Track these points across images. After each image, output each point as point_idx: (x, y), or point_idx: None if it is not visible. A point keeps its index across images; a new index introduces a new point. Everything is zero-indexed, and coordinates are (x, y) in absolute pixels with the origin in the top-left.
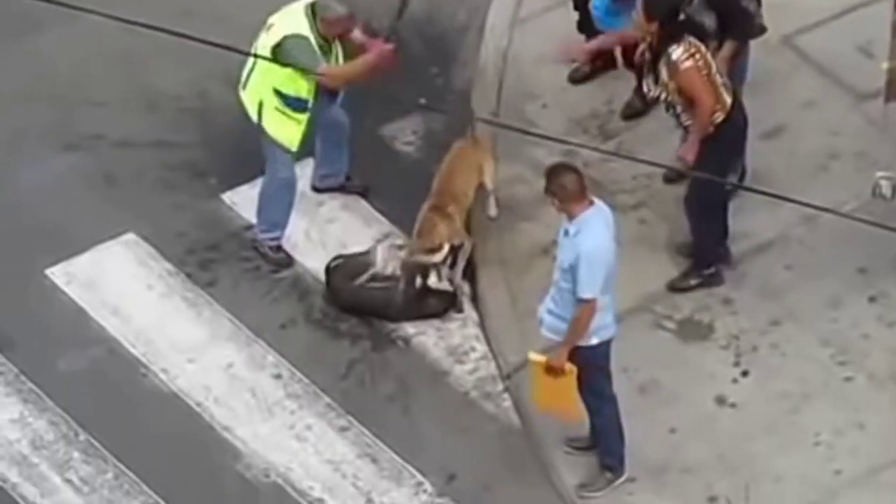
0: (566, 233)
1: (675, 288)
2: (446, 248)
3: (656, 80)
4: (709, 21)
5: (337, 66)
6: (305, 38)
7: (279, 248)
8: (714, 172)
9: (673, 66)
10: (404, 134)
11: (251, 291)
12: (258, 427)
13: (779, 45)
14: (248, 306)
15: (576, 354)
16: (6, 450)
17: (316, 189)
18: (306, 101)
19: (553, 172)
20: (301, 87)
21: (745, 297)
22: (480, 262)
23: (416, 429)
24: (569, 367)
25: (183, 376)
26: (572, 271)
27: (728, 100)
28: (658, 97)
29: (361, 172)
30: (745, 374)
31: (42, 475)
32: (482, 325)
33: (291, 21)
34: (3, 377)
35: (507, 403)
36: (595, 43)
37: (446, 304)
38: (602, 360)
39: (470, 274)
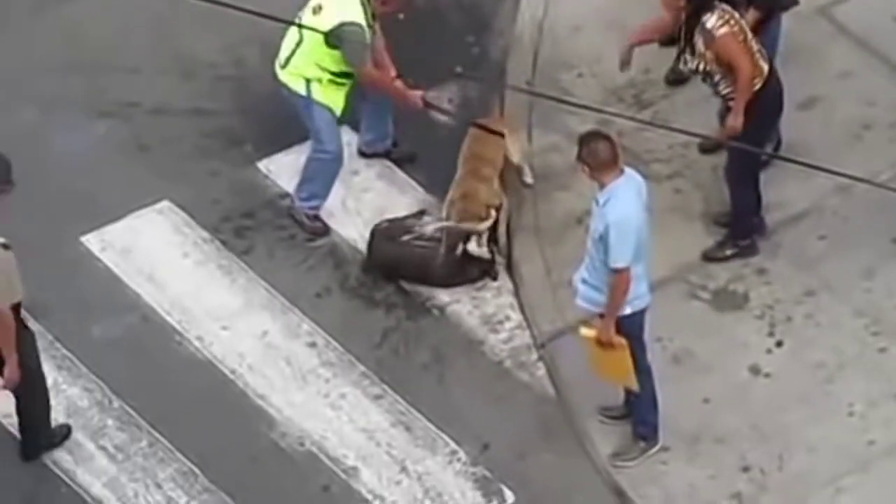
0: (597, 202)
1: (710, 258)
2: (493, 213)
3: (693, 52)
4: None
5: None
6: (362, 28)
7: (316, 217)
8: (752, 141)
9: (709, 35)
10: (441, 102)
11: (286, 259)
12: (293, 395)
13: (814, 16)
14: (284, 274)
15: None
16: None
17: (363, 154)
18: (351, 72)
19: (585, 140)
20: (347, 64)
21: (780, 267)
22: (515, 230)
23: (451, 397)
24: (618, 340)
25: (217, 344)
26: (603, 241)
27: (765, 66)
28: (696, 68)
29: (396, 140)
30: (779, 344)
31: (76, 442)
32: (517, 293)
33: (345, 6)
34: (38, 344)
35: (542, 372)
36: (635, 37)
37: (483, 271)
38: (636, 329)
39: (505, 243)
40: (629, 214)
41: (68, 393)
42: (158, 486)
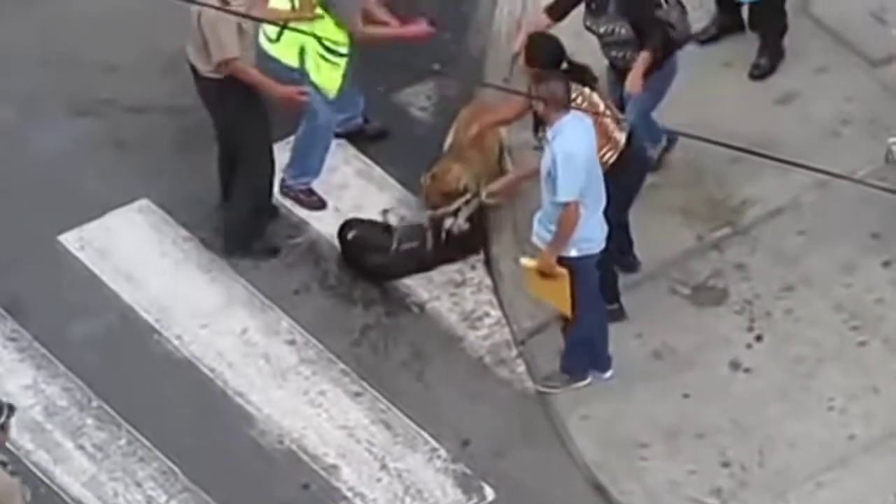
0: (546, 140)
1: None
2: (465, 194)
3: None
4: (622, 31)
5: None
6: None
7: (311, 192)
8: (617, 202)
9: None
10: (418, 100)
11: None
12: (272, 393)
13: (791, 12)
14: (263, 272)
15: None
16: (19, 416)
17: (337, 135)
18: (345, 48)
19: (543, 78)
20: (342, 36)
21: (759, 263)
22: (493, 227)
23: (430, 394)
24: (560, 270)
25: (197, 342)
26: (551, 177)
27: (620, 137)
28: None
29: (374, 137)
30: (758, 339)
31: (55, 441)
32: (496, 290)
33: None
34: (17, 343)
35: (521, 369)
36: (488, 124)
37: (470, 246)
38: (586, 272)
39: (483, 239)
40: (577, 149)
41: (47, 392)
42: (138, 485)
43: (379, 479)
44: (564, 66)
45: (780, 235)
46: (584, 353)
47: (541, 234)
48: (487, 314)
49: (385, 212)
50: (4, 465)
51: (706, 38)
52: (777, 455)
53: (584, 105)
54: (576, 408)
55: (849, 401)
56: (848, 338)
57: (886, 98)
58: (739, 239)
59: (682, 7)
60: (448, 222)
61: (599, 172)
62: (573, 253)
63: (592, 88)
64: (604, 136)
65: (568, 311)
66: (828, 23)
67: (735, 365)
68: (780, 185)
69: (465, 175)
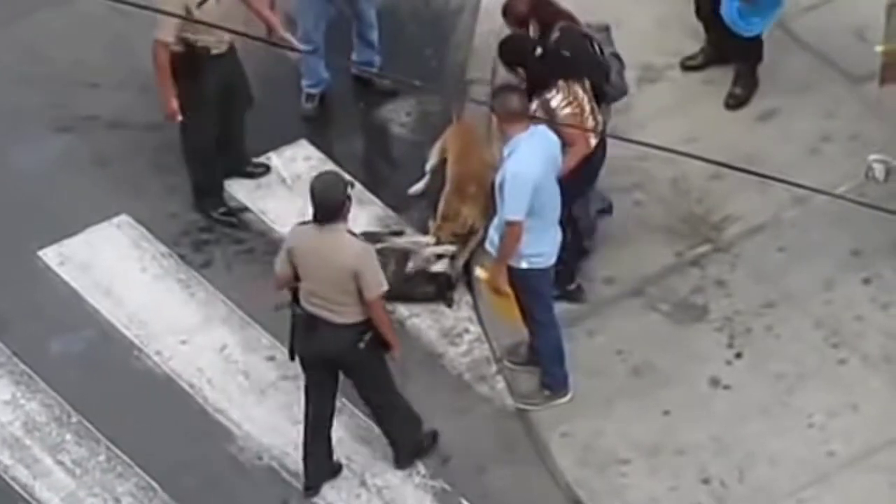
0: (502, 154)
1: None
2: (476, 233)
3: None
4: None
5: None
6: None
7: (309, 97)
8: (569, 196)
9: (552, 112)
10: (399, 116)
11: (245, 273)
12: (251, 409)
13: (773, 29)
14: (242, 288)
15: (510, 276)
16: None
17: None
18: None
19: (498, 91)
20: None
21: (739, 279)
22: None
23: None
24: (505, 289)
25: (176, 358)
26: (500, 192)
27: (593, 143)
28: None
29: (355, 154)
30: (738, 355)
31: (34, 457)
32: (476, 307)
33: None
34: None
35: (501, 385)
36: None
37: (440, 291)
38: (536, 285)
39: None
40: (528, 170)
41: (26, 408)
42: (117, 501)
43: (358, 496)
44: (539, 52)
45: (760, 252)
46: (558, 365)
47: (493, 240)
48: (467, 330)
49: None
50: None
51: (690, 66)
52: (757, 472)
53: (577, 109)
54: (556, 425)
55: (829, 417)
56: (828, 355)
57: (867, 115)
58: (719, 256)
59: (620, 61)
60: (442, 264)
61: (555, 188)
62: (523, 265)
63: (576, 79)
64: (587, 143)
65: (513, 325)
66: (809, 40)
67: (715, 382)
68: (760, 202)
69: (472, 215)
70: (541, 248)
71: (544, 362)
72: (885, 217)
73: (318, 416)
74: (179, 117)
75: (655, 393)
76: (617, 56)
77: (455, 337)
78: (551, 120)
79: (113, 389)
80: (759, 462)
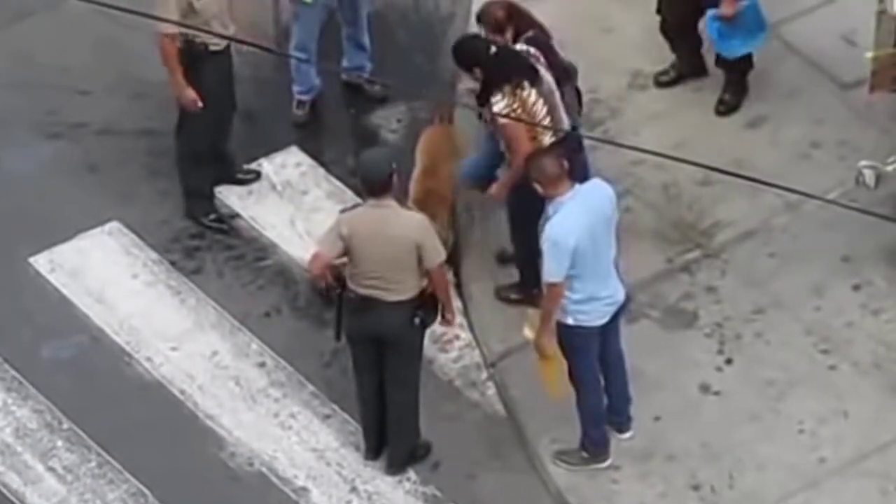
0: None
1: (499, 296)
2: (449, 240)
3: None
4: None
5: None
6: None
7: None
8: (524, 201)
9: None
10: (389, 122)
11: (236, 280)
12: (242, 415)
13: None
14: (233, 294)
15: (557, 332)
16: None
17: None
18: None
19: (532, 158)
20: None
21: (729, 285)
22: (464, 250)
23: None
24: (552, 351)
25: (167, 364)
26: (541, 254)
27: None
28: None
29: (346, 160)
30: (729, 361)
31: (25, 463)
32: (466, 313)
33: None
34: None
35: (492, 391)
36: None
37: None
38: (578, 342)
39: (454, 262)
40: (567, 233)
41: (17, 414)
42: None
43: (349, 502)
44: (493, 50)
45: (750, 258)
46: (595, 426)
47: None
48: (458, 336)
49: None
50: None
51: (665, 82)
52: (747, 478)
53: (521, 111)
54: (547, 431)
55: (819, 424)
56: (818, 361)
57: (857, 121)
58: (710, 262)
59: (579, 93)
60: None
61: (604, 245)
62: (569, 321)
63: (532, 83)
64: (530, 147)
65: (553, 394)
66: (798, 45)
67: (705, 388)
68: (750, 208)
69: (442, 231)
70: (585, 305)
71: (584, 425)
72: (875, 223)
73: (371, 390)
74: (199, 103)
75: (645, 398)
76: (577, 89)
77: (445, 343)
78: (493, 121)
79: (104, 396)
80: (749, 468)
